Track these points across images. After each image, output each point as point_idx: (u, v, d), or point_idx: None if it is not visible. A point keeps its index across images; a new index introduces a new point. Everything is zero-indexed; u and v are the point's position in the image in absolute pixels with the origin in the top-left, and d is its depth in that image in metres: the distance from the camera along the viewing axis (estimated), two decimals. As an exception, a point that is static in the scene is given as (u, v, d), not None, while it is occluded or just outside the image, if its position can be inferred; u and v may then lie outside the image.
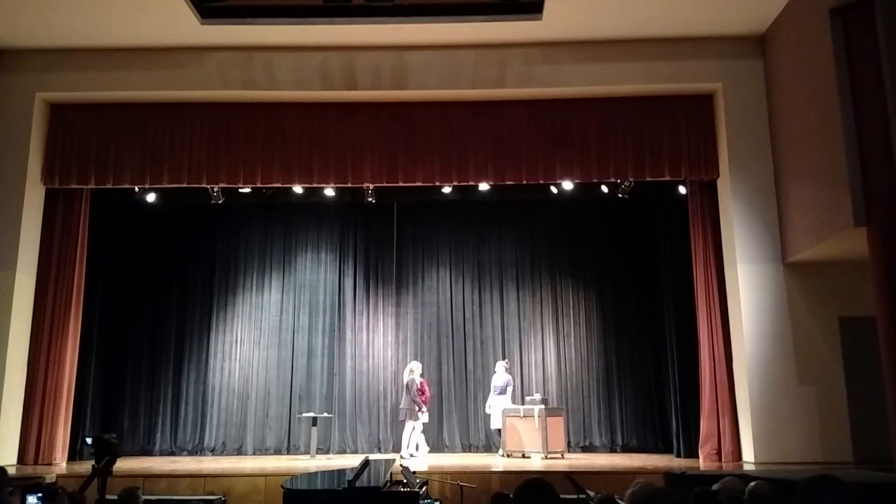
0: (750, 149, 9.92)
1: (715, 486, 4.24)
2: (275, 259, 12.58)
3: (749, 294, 9.61)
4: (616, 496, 4.47)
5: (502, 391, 11.02)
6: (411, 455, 10.65)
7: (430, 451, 11.17)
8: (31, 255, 10.18)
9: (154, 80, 10.26)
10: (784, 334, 9.47)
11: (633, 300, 12.20)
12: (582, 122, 10.30)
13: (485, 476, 8.73)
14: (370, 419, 11.81)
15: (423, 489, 6.07)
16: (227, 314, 12.37)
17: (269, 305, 12.43)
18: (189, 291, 12.42)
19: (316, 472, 7.46)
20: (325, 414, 11.22)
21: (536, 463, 9.92)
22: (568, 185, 10.69)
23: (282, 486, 5.59)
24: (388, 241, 12.54)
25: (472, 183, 10.52)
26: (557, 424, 10.52)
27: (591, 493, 5.02)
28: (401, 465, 6.85)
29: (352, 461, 8.56)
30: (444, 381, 12.15)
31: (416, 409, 10.72)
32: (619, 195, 10.99)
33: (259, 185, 10.55)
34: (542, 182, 10.44)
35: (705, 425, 9.89)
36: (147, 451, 11.63)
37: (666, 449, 11.20)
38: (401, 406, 10.97)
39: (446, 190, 11.06)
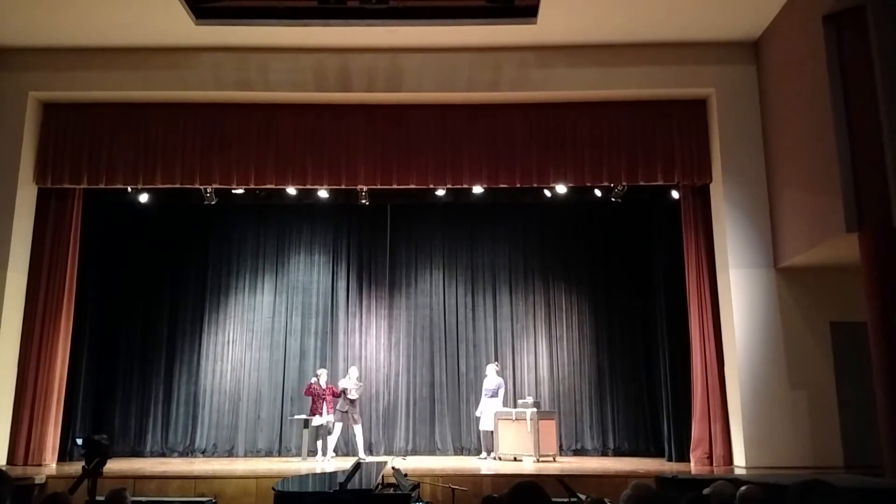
0: (743, 154, 9.95)
1: (706, 491, 4.25)
2: (267, 260, 12.56)
3: (741, 299, 9.63)
4: (607, 499, 4.47)
5: (494, 394, 11.02)
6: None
7: (415, 454, 11.29)
8: (23, 254, 10.14)
9: (148, 80, 10.23)
10: (776, 339, 9.50)
11: (625, 304, 12.22)
12: (576, 126, 10.32)
13: (476, 479, 8.74)
14: (362, 421, 11.75)
15: (415, 492, 6.06)
16: (220, 315, 12.34)
17: (261, 307, 12.40)
18: (181, 292, 12.38)
19: (307, 475, 7.44)
20: (317, 416, 11.18)
21: (528, 466, 9.91)
22: (561, 189, 10.70)
23: (273, 489, 5.57)
24: (381, 243, 12.53)
25: (465, 185, 10.52)
26: (549, 428, 10.52)
27: (583, 497, 5.01)
28: (392, 468, 6.84)
29: (343, 464, 8.55)
30: (436, 384, 12.14)
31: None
32: (613, 199, 11.01)
33: (252, 187, 10.52)
34: (535, 185, 10.46)
35: (697, 429, 9.91)
36: (138, 453, 11.58)
37: (657, 453, 11.22)
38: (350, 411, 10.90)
39: (440, 192, 11.08)
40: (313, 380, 11.12)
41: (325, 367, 11.52)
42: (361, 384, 11.05)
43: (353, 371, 11.13)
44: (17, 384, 9.91)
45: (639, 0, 9.09)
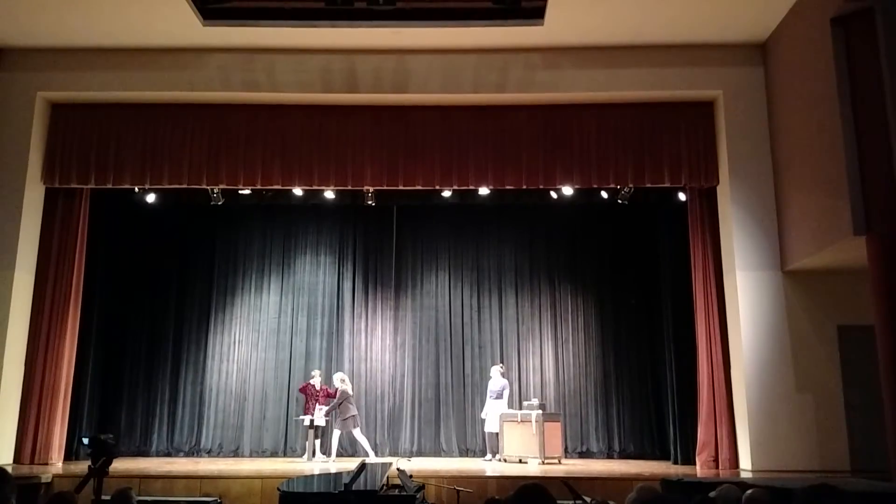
0: (750, 156, 9.92)
1: (712, 494, 4.23)
2: (274, 261, 12.58)
3: (748, 301, 9.61)
4: (612, 502, 4.47)
5: (499, 395, 11.01)
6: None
7: (420, 455, 11.36)
8: (30, 254, 10.17)
9: (155, 81, 10.26)
10: (782, 342, 9.46)
11: (631, 306, 12.19)
12: (582, 128, 10.31)
13: (481, 481, 8.73)
14: (367, 422, 11.76)
15: (420, 493, 6.06)
16: (226, 315, 12.36)
17: (267, 307, 12.42)
18: (188, 292, 12.41)
19: (312, 475, 7.44)
20: (323, 417, 11.21)
21: (533, 468, 9.89)
22: (568, 191, 10.69)
23: (278, 489, 5.58)
24: (387, 244, 12.54)
25: (471, 187, 10.53)
26: (555, 430, 10.50)
27: (588, 499, 5.00)
28: (397, 469, 6.84)
29: (349, 464, 8.55)
30: (441, 386, 12.13)
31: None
32: (619, 201, 10.99)
33: (259, 187, 10.55)
34: (542, 187, 10.44)
35: (703, 432, 9.88)
36: (143, 452, 11.61)
37: (663, 455, 11.18)
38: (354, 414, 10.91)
39: (446, 194, 11.07)
40: (311, 380, 11.19)
41: (319, 369, 11.56)
42: (341, 387, 10.98)
43: (338, 375, 11.16)
44: (24, 383, 9.94)
45: (646, 1, 9.07)
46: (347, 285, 12.54)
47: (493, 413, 10.93)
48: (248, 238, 12.63)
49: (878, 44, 7.43)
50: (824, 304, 9.51)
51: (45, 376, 10.04)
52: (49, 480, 8.48)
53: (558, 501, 3.18)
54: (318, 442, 10.98)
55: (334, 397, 11.02)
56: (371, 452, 10.86)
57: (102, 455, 5.07)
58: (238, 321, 12.37)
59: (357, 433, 10.89)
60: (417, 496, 5.70)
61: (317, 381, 11.18)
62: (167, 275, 12.39)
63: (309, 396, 11.05)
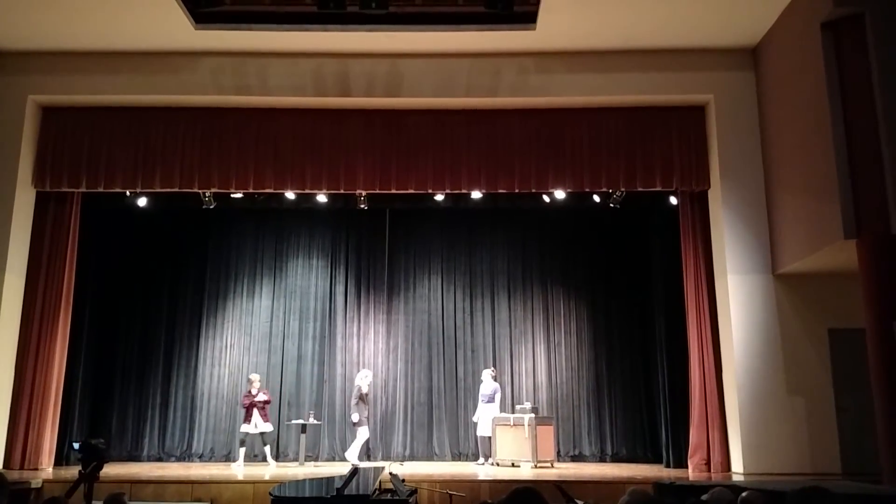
0: (741, 160, 9.97)
1: (704, 497, 4.24)
2: (266, 265, 12.54)
3: (739, 305, 9.64)
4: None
5: (490, 399, 11.00)
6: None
7: (413, 459, 11.36)
8: (21, 257, 10.13)
9: (147, 84, 10.24)
10: (773, 345, 9.50)
11: (623, 310, 12.22)
12: (575, 132, 10.34)
13: (474, 484, 8.71)
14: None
15: (412, 497, 6.05)
16: (218, 319, 12.32)
17: (259, 311, 12.38)
18: (179, 296, 12.36)
19: (304, 480, 7.42)
20: (314, 421, 11.18)
21: (526, 472, 9.89)
22: (560, 194, 10.72)
23: (270, 494, 5.56)
24: (380, 247, 12.53)
25: (464, 191, 10.54)
26: (547, 433, 10.51)
27: (580, 503, 5.01)
28: (390, 473, 6.83)
29: (340, 469, 8.54)
30: (434, 389, 12.12)
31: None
32: (611, 205, 11.04)
33: (251, 191, 10.52)
34: (534, 191, 10.46)
35: (695, 435, 9.90)
36: (135, 457, 11.56)
37: (655, 459, 11.21)
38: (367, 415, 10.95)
39: (439, 197, 11.08)
40: (252, 387, 10.90)
41: (257, 373, 11.36)
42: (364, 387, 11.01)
43: (364, 373, 11.19)
44: (14, 388, 9.88)
45: (638, 6, 9.11)
46: (340, 289, 12.52)
47: (485, 417, 10.92)
48: (240, 242, 12.59)
49: (868, 48, 7.49)
50: (815, 308, 9.56)
51: (35, 380, 9.98)
52: (39, 486, 8.42)
53: (551, 505, 3.18)
54: (267, 448, 10.90)
55: (268, 402, 10.93)
56: (354, 455, 10.83)
57: (93, 460, 5.05)
58: (230, 325, 12.33)
59: (363, 432, 10.93)
60: (410, 500, 5.69)
61: (255, 386, 10.92)
62: (159, 278, 12.35)
63: (250, 405, 10.78)
